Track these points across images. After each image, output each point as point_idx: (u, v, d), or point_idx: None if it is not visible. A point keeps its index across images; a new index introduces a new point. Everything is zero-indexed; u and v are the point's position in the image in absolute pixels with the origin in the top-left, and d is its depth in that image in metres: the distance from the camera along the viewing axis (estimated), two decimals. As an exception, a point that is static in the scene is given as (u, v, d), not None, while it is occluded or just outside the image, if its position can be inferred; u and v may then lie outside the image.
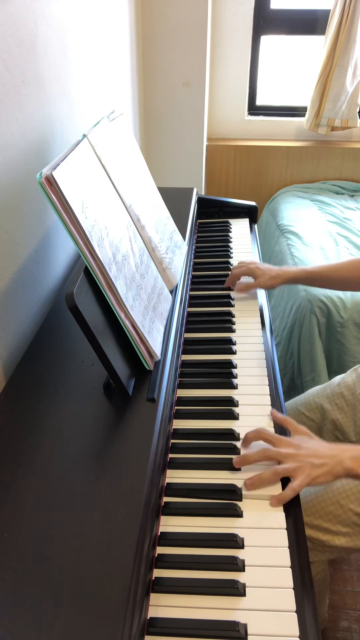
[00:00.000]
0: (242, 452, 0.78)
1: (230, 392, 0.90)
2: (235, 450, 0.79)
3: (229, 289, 1.22)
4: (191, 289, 1.22)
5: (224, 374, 0.94)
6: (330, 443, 0.78)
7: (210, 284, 1.24)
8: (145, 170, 1.11)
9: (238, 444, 0.80)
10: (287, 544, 0.66)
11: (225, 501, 0.71)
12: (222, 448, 0.79)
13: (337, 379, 1.13)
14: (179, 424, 0.84)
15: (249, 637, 0.57)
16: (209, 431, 0.82)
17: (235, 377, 0.94)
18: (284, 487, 0.73)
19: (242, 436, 0.81)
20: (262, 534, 0.67)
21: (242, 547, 0.65)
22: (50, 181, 0.66)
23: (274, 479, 0.73)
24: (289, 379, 1.78)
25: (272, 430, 0.82)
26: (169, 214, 1.14)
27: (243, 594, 0.60)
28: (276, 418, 0.84)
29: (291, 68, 2.64)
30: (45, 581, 0.52)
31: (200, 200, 1.57)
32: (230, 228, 1.51)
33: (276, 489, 0.73)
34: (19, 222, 0.91)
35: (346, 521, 0.86)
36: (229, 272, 1.27)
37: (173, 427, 0.83)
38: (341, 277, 1.10)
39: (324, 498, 0.88)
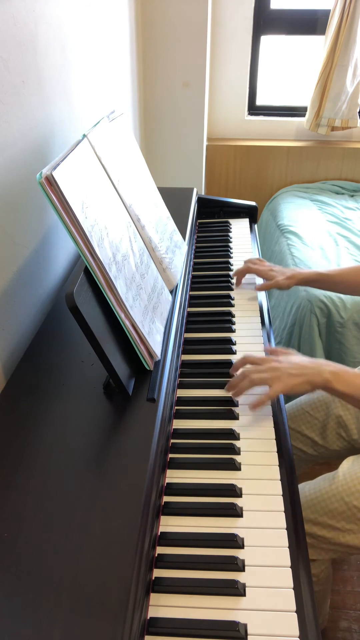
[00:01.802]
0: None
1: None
2: (235, 450, 0.79)
3: (229, 288, 1.22)
4: (191, 289, 1.22)
5: (224, 374, 0.94)
6: (312, 359, 0.84)
7: (210, 284, 1.24)
8: (145, 170, 1.11)
9: (238, 443, 0.80)
10: (287, 544, 0.66)
11: (226, 501, 0.71)
12: (222, 448, 0.79)
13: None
14: (179, 424, 0.84)
15: (249, 637, 0.57)
16: (209, 431, 0.82)
17: (235, 377, 0.94)
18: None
19: (242, 436, 0.81)
20: (262, 534, 0.67)
21: (242, 547, 0.65)
22: (50, 181, 0.66)
23: (249, 386, 0.82)
24: (289, 379, 1.77)
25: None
26: (169, 214, 1.15)
27: (243, 594, 0.60)
28: (267, 350, 0.92)
29: (291, 68, 2.64)
30: (45, 581, 0.52)
31: (200, 200, 1.57)
32: (230, 228, 1.51)
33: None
34: (19, 222, 0.91)
35: (351, 518, 0.86)
36: (229, 272, 1.27)
37: (173, 427, 0.83)
38: (352, 281, 1.12)
39: (328, 495, 0.88)
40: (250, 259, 1.24)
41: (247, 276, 1.25)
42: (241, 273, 1.23)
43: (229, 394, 0.89)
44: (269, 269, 1.19)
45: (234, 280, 1.25)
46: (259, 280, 1.24)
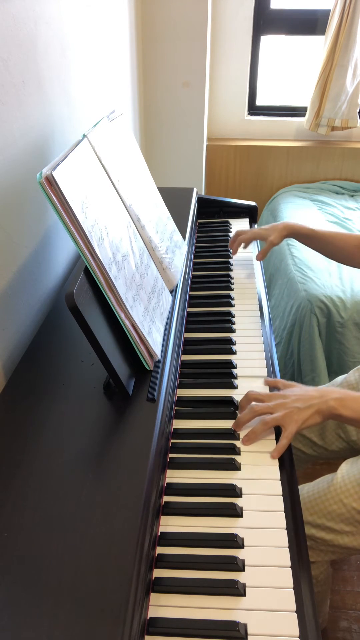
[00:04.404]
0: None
1: (230, 392, 0.90)
2: (235, 450, 0.79)
3: (229, 288, 1.22)
4: (191, 289, 1.22)
5: (224, 374, 0.94)
6: (317, 387, 0.82)
7: (210, 284, 1.24)
8: (145, 170, 1.11)
9: (238, 443, 0.80)
10: (287, 543, 0.66)
11: (226, 501, 0.71)
12: (222, 448, 0.79)
13: (340, 378, 1.13)
14: (179, 424, 0.84)
15: (249, 637, 0.57)
16: (209, 431, 0.82)
17: (235, 377, 0.93)
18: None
19: (242, 436, 0.81)
20: (262, 534, 0.67)
21: (242, 547, 0.65)
22: (50, 181, 0.66)
23: (264, 429, 0.78)
24: (289, 379, 1.77)
25: None
26: (169, 214, 1.15)
27: (243, 594, 0.60)
28: (268, 382, 0.89)
29: (291, 68, 2.64)
30: (45, 581, 0.52)
31: (200, 200, 1.57)
32: (230, 228, 1.51)
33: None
34: (19, 222, 0.91)
35: (349, 520, 0.86)
36: (229, 272, 1.28)
37: (173, 427, 0.83)
38: (338, 246, 1.15)
39: (327, 497, 0.88)
40: (238, 230, 1.30)
41: (243, 272, 1.27)
42: (237, 246, 1.29)
43: (230, 395, 0.89)
44: (257, 229, 1.25)
45: (234, 280, 1.25)
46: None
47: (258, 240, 1.48)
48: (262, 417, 0.79)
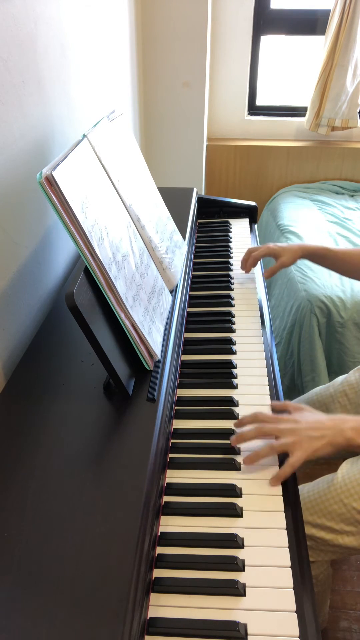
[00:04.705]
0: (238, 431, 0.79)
1: (230, 392, 0.90)
2: (235, 450, 0.79)
3: (229, 288, 1.22)
4: (191, 289, 1.22)
5: (224, 374, 0.94)
6: (330, 415, 0.77)
7: (210, 284, 1.24)
8: (145, 170, 1.11)
9: (238, 444, 0.80)
10: (287, 544, 0.66)
11: (226, 501, 0.71)
12: (222, 448, 0.79)
13: (340, 378, 1.13)
14: (179, 424, 0.84)
15: (249, 637, 0.57)
16: (209, 431, 0.82)
17: (235, 377, 0.94)
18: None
19: (237, 446, 0.81)
20: (262, 534, 0.67)
21: (242, 547, 0.65)
22: (50, 181, 0.66)
23: (270, 454, 0.74)
24: (289, 379, 1.78)
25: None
26: (169, 214, 1.15)
27: (243, 594, 0.60)
28: (275, 406, 0.85)
29: (291, 68, 2.64)
30: (45, 581, 0.52)
31: (200, 200, 1.57)
32: (230, 228, 1.51)
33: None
34: (19, 222, 0.91)
35: (350, 520, 0.86)
36: (229, 272, 1.27)
37: (173, 427, 0.83)
38: (352, 262, 1.13)
39: (327, 497, 0.88)
40: (250, 248, 1.26)
41: (242, 272, 1.27)
42: (251, 265, 1.24)
43: (230, 395, 0.89)
44: (269, 246, 1.21)
45: (234, 280, 1.25)
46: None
47: (258, 241, 1.49)
48: (271, 442, 0.74)
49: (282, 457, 0.77)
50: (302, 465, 0.80)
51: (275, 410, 0.84)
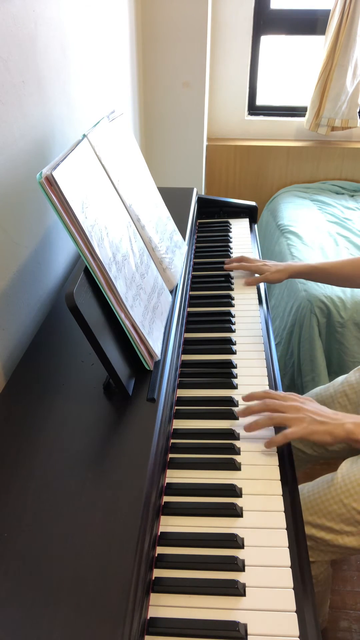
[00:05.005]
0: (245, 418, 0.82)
1: (230, 392, 0.90)
2: (235, 450, 0.79)
3: (229, 288, 1.22)
4: (191, 289, 1.22)
5: (224, 374, 0.94)
6: (334, 411, 0.81)
7: (210, 284, 1.24)
8: (145, 170, 1.11)
9: (238, 443, 0.80)
10: (287, 544, 0.66)
11: (226, 501, 0.71)
12: (222, 448, 0.79)
13: (341, 378, 1.13)
14: (179, 424, 0.84)
15: (249, 637, 0.57)
16: (209, 431, 0.82)
17: (235, 377, 0.94)
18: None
19: (242, 436, 0.81)
20: (262, 534, 0.67)
21: (242, 547, 0.65)
22: (50, 181, 0.66)
23: (268, 423, 0.78)
24: (289, 379, 1.78)
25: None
26: (169, 214, 1.14)
27: (243, 594, 0.60)
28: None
29: (291, 68, 2.64)
30: (45, 581, 0.52)
31: (200, 200, 1.57)
32: (230, 228, 1.51)
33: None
34: (19, 222, 0.91)
35: (350, 520, 0.86)
36: (229, 272, 1.27)
37: (173, 427, 0.83)
38: (343, 273, 1.13)
39: (327, 497, 0.88)
40: (244, 256, 1.26)
41: (242, 272, 1.27)
42: (233, 267, 1.26)
43: (230, 395, 0.89)
44: (262, 264, 1.22)
45: (234, 280, 1.25)
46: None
47: (258, 241, 1.49)
48: (270, 413, 0.78)
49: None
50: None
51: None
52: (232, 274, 1.27)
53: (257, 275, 1.23)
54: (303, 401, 0.80)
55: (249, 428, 0.79)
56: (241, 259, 1.26)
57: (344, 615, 1.29)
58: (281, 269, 1.18)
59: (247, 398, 0.85)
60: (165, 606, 0.60)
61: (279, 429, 0.81)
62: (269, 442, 0.76)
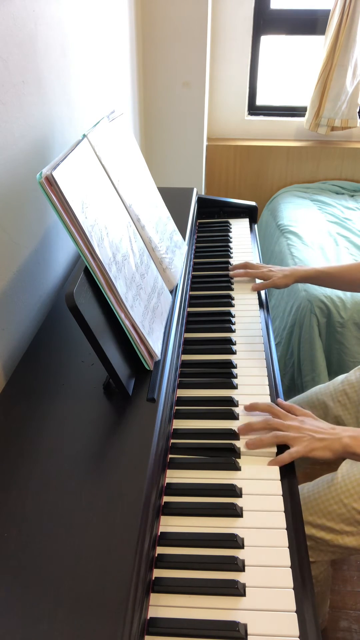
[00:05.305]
0: (245, 419, 0.83)
1: (230, 392, 0.90)
2: (235, 450, 0.79)
3: (229, 288, 1.22)
4: (191, 289, 1.22)
5: (224, 374, 0.94)
6: (332, 425, 0.82)
7: (210, 284, 1.24)
8: (145, 170, 1.11)
9: (238, 443, 0.80)
10: (287, 544, 0.66)
11: (226, 501, 0.71)
12: (222, 448, 0.79)
13: (341, 377, 1.13)
14: (179, 424, 0.84)
15: (249, 637, 0.57)
16: (209, 431, 0.82)
17: (235, 377, 0.94)
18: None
19: (243, 437, 0.81)
20: (262, 533, 0.67)
21: (242, 547, 0.65)
22: (50, 181, 0.66)
23: (272, 442, 0.78)
24: (289, 379, 1.78)
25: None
26: (169, 214, 1.15)
27: (243, 594, 0.60)
28: (282, 405, 0.87)
29: (291, 68, 2.64)
30: (45, 581, 0.52)
31: (200, 200, 1.57)
32: (230, 228, 1.51)
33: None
34: (19, 222, 0.91)
35: (350, 520, 0.86)
36: (229, 272, 1.27)
37: (173, 427, 0.83)
38: (349, 278, 1.13)
39: (327, 497, 0.88)
40: (249, 262, 1.25)
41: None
42: (238, 274, 1.24)
43: (230, 395, 0.89)
44: (268, 270, 1.21)
45: (234, 280, 1.25)
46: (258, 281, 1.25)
47: (258, 241, 1.49)
48: (275, 432, 0.79)
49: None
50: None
51: (281, 407, 0.87)
52: (230, 267, 1.27)
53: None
54: (302, 419, 0.82)
55: (252, 445, 0.79)
56: (245, 265, 1.25)
57: (344, 615, 1.29)
58: (287, 274, 1.18)
59: (249, 408, 0.85)
60: (165, 606, 0.60)
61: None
62: (275, 460, 0.77)
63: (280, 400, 0.89)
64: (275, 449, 0.79)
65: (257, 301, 1.17)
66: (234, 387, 0.91)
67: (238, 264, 1.27)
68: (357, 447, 0.77)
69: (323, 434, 0.78)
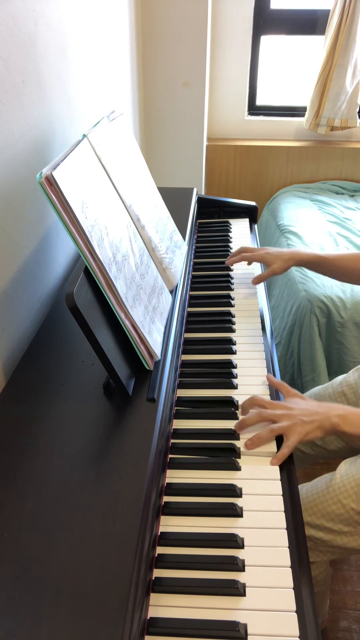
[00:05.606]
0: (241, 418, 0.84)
1: (230, 392, 0.90)
2: (235, 450, 0.79)
3: (229, 288, 1.22)
4: (191, 289, 1.22)
5: (224, 374, 0.94)
6: (320, 402, 0.84)
7: (210, 284, 1.24)
8: (145, 170, 1.11)
9: (238, 443, 0.80)
10: (287, 544, 0.66)
11: (226, 501, 0.71)
12: (222, 448, 0.79)
13: (339, 378, 1.13)
14: (179, 424, 0.84)
15: (249, 637, 0.57)
16: (209, 431, 0.82)
17: (235, 377, 0.94)
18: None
19: (242, 436, 0.81)
20: (262, 533, 0.67)
21: (242, 547, 0.65)
22: (50, 181, 0.66)
23: (270, 437, 0.79)
24: (289, 379, 1.78)
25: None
26: (169, 214, 1.15)
27: (243, 594, 0.60)
28: (271, 382, 0.90)
29: (291, 68, 2.64)
30: (45, 581, 0.52)
31: (200, 200, 1.57)
32: (231, 228, 1.51)
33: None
34: (19, 222, 0.91)
35: (348, 520, 0.86)
36: (229, 272, 1.27)
37: (173, 427, 0.83)
38: (350, 267, 1.13)
39: (326, 498, 0.88)
40: (243, 247, 1.25)
41: (242, 272, 1.25)
42: (234, 261, 1.24)
43: (230, 395, 0.89)
44: (265, 253, 1.20)
45: (234, 280, 1.25)
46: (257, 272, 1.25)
47: (258, 241, 1.49)
48: (270, 426, 0.79)
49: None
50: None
51: (271, 384, 0.90)
52: (233, 274, 1.27)
53: (260, 272, 1.22)
54: (290, 406, 0.83)
55: (252, 445, 0.79)
56: (241, 250, 1.24)
57: (344, 615, 1.30)
58: (286, 258, 1.16)
59: (242, 411, 0.86)
60: (165, 606, 0.60)
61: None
62: (277, 458, 0.77)
63: (269, 375, 0.91)
64: (274, 446, 0.79)
65: (257, 301, 1.17)
66: (234, 387, 0.91)
67: (233, 252, 1.26)
68: (344, 425, 0.79)
69: (312, 416, 0.79)
